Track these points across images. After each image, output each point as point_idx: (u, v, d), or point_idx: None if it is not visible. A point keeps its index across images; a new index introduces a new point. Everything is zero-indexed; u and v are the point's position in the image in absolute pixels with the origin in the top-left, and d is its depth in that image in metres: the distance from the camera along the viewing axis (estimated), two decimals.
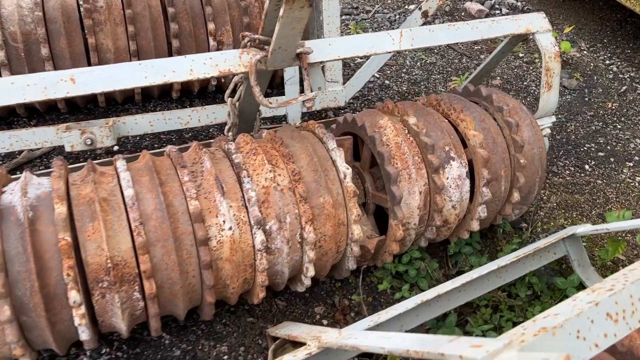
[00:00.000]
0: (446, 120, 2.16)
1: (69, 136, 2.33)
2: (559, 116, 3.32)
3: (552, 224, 2.59)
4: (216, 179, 1.74)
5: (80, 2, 2.56)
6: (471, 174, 2.09)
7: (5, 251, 1.50)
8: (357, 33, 3.82)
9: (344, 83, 2.87)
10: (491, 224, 2.38)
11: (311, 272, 1.89)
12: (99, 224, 1.59)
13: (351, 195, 1.86)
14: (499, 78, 3.58)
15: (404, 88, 3.39)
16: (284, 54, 1.79)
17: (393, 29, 3.94)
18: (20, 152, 2.61)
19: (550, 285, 2.25)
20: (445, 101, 2.19)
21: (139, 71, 1.70)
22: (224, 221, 1.71)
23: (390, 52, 2.04)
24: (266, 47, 1.83)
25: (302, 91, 3.19)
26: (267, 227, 1.78)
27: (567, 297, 2.16)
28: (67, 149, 2.35)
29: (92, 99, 2.84)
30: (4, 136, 2.34)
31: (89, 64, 2.60)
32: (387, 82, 3.41)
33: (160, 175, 1.76)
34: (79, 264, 1.59)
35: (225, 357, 1.96)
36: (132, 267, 1.62)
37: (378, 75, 3.46)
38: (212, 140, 2.50)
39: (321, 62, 1.93)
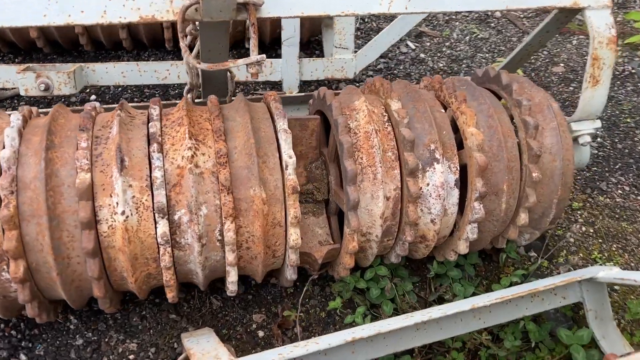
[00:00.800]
0: (443, 111, 1.69)
1: (23, 78, 2.09)
2: (628, 119, 2.68)
3: (580, 255, 2.05)
4: (117, 149, 1.42)
5: None
6: (465, 183, 1.63)
7: None
8: None
9: (356, 50, 2.43)
10: (495, 246, 1.90)
11: (233, 277, 1.54)
12: None
13: (290, 191, 1.47)
14: (562, 65, 2.96)
15: (441, 65, 2.88)
16: (221, 3, 1.41)
17: None
18: None
19: (554, 334, 1.76)
20: (449, 86, 1.71)
21: (39, 6, 1.38)
22: (117, 203, 1.39)
23: (374, 14, 1.59)
24: None
25: (312, 54, 2.79)
26: (176, 218, 1.44)
27: (570, 356, 1.67)
28: (22, 92, 2.12)
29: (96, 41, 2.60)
30: None
31: None
32: (422, 55, 2.91)
33: (57, 136, 1.46)
34: None
35: (132, 356, 1.68)
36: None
37: (414, 47, 2.96)
38: (176, 102, 2.18)
39: (276, 17, 1.52)
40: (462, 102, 1.64)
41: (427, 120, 1.62)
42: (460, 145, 1.65)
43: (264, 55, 1.49)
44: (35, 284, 1.44)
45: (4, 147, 1.38)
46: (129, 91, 2.52)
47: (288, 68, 2.36)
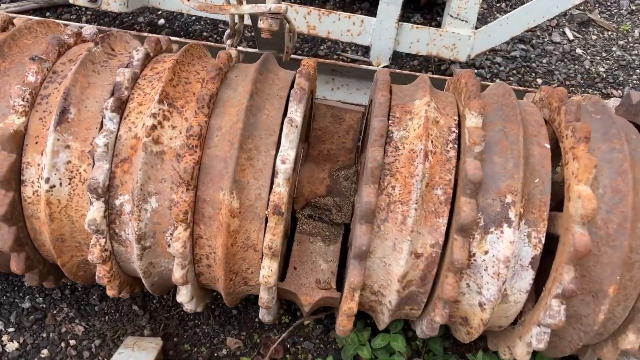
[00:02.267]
0: (547, 147, 1.08)
1: None
2: None
3: None
4: (65, 95, 1.05)
5: None
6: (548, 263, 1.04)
7: None
8: None
9: (477, 27, 1.82)
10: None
11: (184, 296, 1.14)
12: None
13: (272, 210, 1.01)
14: None
15: (602, 69, 2.12)
16: None
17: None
18: None
19: None
20: (571, 110, 1.09)
21: None
22: (44, 166, 1.04)
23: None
24: None
25: (433, 21, 2.21)
26: (117, 203, 1.06)
27: None
28: (71, 0, 1.86)
29: None
30: None
31: None
32: (579, 51, 2.18)
33: (7, 59, 1.13)
34: None
35: (72, 341, 1.38)
36: None
37: (572, 37, 2.23)
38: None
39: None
40: (581, 140, 1.03)
41: (515, 155, 1.04)
42: (560, 205, 1.05)
43: (283, 5, 1.01)
44: None
45: None
46: (202, 23, 2.17)
47: (381, 32, 1.82)
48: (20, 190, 1.08)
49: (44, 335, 1.39)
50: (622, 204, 1.01)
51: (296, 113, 1.07)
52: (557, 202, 1.09)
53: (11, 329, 1.39)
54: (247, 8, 1.03)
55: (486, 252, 1.03)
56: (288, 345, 1.42)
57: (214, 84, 1.10)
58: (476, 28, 1.81)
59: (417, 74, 1.66)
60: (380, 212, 1.05)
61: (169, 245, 1.09)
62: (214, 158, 1.05)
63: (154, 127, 1.04)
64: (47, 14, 2.14)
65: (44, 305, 1.44)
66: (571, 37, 2.24)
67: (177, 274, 1.09)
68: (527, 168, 1.05)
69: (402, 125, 1.10)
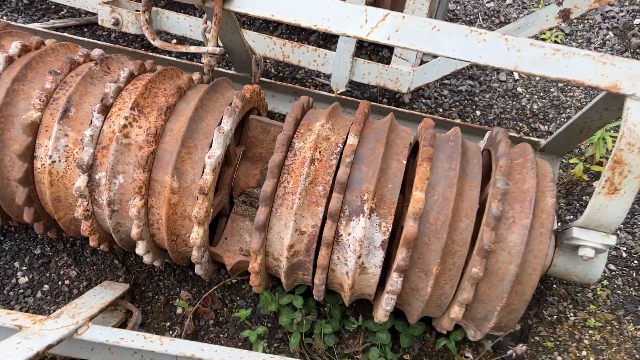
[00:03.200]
0: (403, 162, 1.47)
1: (101, 10, 2.32)
2: None
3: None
4: (68, 99, 1.52)
5: None
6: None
7: None
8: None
9: (419, 64, 2.21)
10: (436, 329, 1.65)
11: (140, 249, 1.58)
12: None
13: (198, 190, 1.44)
14: None
15: (536, 107, 2.46)
16: None
17: (601, 27, 2.84)
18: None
19: None
20: (427, 137, 1.48)
21: None
22: (48, 147, 1.51)
23: (349, 37, 1.42)
24: None
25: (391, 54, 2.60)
26: (97, 177, 1.51)
27: None
28: (99, 21, 2.35)
29: None
30: None
31: None
32: (520, 90, 2.52)
33: (33, 71, 1.60)
34: None
35: (67, 281, 1.85)
36: None
37: (518, 77, 2.58)
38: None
39: (243, 14, 1.45)
40: (425, 160, 1.41)
41: (375, 166, 1.43)
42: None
43: (219, 49, 1.44)
44: None
45: None
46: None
47: (340, 64, 2.23)
48: (33, 163, 1.55)
49: (47, 274, 1.86)
50: (446, 208, 1.39)
51: (226, 124, 1.49)
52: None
53: (24, 268, 1.86)
54: (193, 48, 1.47)
55: (349, 234, 1.43)
56: (227, 302, 1.84)
57: (172, 98, 1.54)
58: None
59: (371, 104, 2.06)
60: (277, 199, 1.46)
61: (127, 210, 1.53)
62: (164, 151, 1.49)
63: (125, 126, 1.49)
64: (85, 29, 2.65)
65: (50, 253, 1.91)
66: (517, 77, 2.59)
67: (134, 232, 1.53)
68: (383, 176, 1.44)
69: (302, 139, 1.51)
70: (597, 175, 2.20)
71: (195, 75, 1.68)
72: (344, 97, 2.16)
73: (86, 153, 1.48)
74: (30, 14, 2.71)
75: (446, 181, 1.42)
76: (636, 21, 2.87)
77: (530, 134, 2.36)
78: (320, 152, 1.47)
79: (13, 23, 2.40)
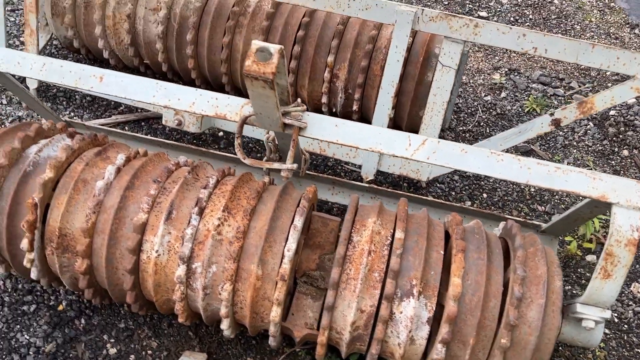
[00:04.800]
0: (441, 252, 1.86)
1: (167, 111, 2.73)
2: None
3: None
4: (170, 203, 1.89)
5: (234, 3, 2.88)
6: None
7: (2, 187, 1.94)
8: (532, 109, 3.33)
9: None
10: None
11: (225, 324, 1.92)
12: (65, 199, 1.91)
13: (279, 277, 1.81)
14: None
15: (533, 189, 2.89)
16: (269, 120, 1.80)
17: (582, 118, 3.32)
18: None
19: None
20: (458, 231, 1.87)
21: (151, 89, 1.91)
22: (155, 243, 1.86)
23: (398, 157, 1.83)
24: None
25: None
26: (193, 266, 1.87)
27: None
28: (163, 121, 2.76)
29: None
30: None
31: (220, 58, 2.92)
32: None
33: (139, 179, 1.98)
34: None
35: (149, 351, 2.16)
36: (77, 241, 1.91)
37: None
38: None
39: (314, 139, 1.86)
40: (459, 251, 1.80)
41: (420, 257, 1.81)
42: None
43: (295, 165, 1.84)
44: (94, 277, 1.99)
45: (102, 178, 1.95)
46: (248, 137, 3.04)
47: (369, 156, 2.65)
48: (140, 255, 1.90)
49: (132, 346, 2.17)
50: (479, 291, 1.77)
51: (298, 221, 1.88)
52: None
53: (112, 340, 2.18)
54: (276, 165, 1.87)
55: (401, 312, 1.79)
56: None
57: (253, 201, 1.92)
58: None
59: (394, 191, 2.47)
60: (342, 283, 1.83)
61: (220, 294, 1.88)
62: (250, 245, 1.86)
63: (218, 225, 1.86)
64: (142, 123, 3.06)
65: (133, 327, 2.23)
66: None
67: (222, 311, 1.87)
68: (426, 265, 1.82)
69: (359, 234, 1.89)
70: (588, 251, 2.61)
71: (266, 179, 2.08)
72: (374, 186, 2.56)
73: (186, 248, 1.84)
74: (94, 109, 3.11)
75: (477, 268, 1.81)
76: (611, 112, 3.37)
77: (530, 214, 2.78)
78: (374, 244, 1.85)
79: (74, 121, 2.78)
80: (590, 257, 2.60)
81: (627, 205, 1.73)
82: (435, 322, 1.87)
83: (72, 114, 3.07)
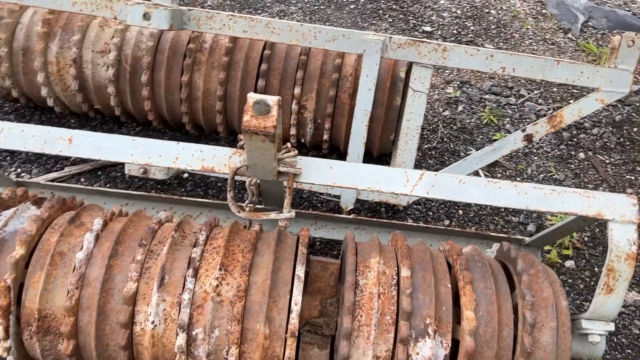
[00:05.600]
0: (448, 286, 1.84)
1: (129, 163, 2.56)
2: None
3: None
4: (162, 268, 1.76)
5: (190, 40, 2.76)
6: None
7: None
8: (490, 120, 3.42)
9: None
10: None
11: None
12: (42, 276, 1.73)
13: (289, 334, 1.71)
14: None
15: None
16: (263, 170, 1.71)
17: None
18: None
19: None
20: (462, 262, 1.86)
21: (128, 147, 1.77)
22: (149, 313, 1.72)
23: (397, 194, 1.79)
24: None
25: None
26: (194, 333, 1.74)
27: None
28: (126, 171, 2.59)
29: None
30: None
31: (180, 97, 2.79)
32: None
33: (122, 245, 1.83)
34: None
35: None
36: (60, 322, 1.74)
37: (483, 176, 3.07)
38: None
39: (310, 183, 1.79)
40: (467, 283, 1.78)
41: (430, 294, 1.78)
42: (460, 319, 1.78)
43: (293, 213, 1.76)
44: (81, 359, 1.82)
45: (81, 248, 1.78)
46: (217, 177, 2.92)
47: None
48: (132, 328, 1.75)
49: None
50: (492, 321, 1.76)
51: (300, 271, 1.79)
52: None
53: None
54: (272, 215, 1.78)
55: (418, 354, 1.74)
56: None
57: (249, 254, 1.82)
58: None
59: (380, 220, 2.43)
60: (354, 331, 1.76)
61: (226, 358, 1.76)
62: (253, 302, 1.75)
63: (217, 286, 1.75)
64: (99, 172, 2.86)
65: None
66: (482, 176, 3.09)
67: None
68: (437, 301, 1.79)
69: (364, 276, 1.84)
70: (566, 257, 2.69)
71: (256, 228, 1.98)
72: (357, 217, 2.51)
73: (185, 314, 1.71)
74: (43, 162, 2.88)
75: (486, 298, 1.79)
76: None
77: (506, 226, 2.83)
78: (382, 286, 1.80)
79: (28, 180, 2.56)
80: (569, 263, 2.68)
81: (622, 220, 1.77)
82: (451, 358, 1.84)
83: (20, 169, 2.83)
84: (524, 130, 2.47)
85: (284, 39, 2.42)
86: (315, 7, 4.26)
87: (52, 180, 2.76)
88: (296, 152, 1.77)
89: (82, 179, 2.82)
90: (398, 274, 1.85)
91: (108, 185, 2.82)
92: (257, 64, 2.74)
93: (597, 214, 1.78)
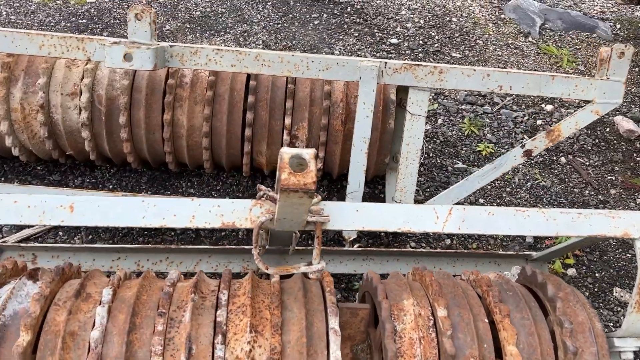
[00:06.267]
0: (486, 321, 1.79)
1: None
2: None
3: None
4: (187, 338, 1.61)
5: (169, 76, 2.60)
6: None
7: None
8: (471, 131, 3.43)
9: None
10: None
11: None
12: None
13: None
14: None
15: None
16: (292, 222, 1.60)
17: (516, 131, 3.49)
18: None
19: None
20: (494, 294, 1.81)
21: (138, 210, 1.62)
22: None
23: (428, 232, 1.73)
24: None
25: (375, 189, 2.95)
26: None
27: None
28: None
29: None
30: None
31: (162, 136, 2.63)
32: (482, 200, 3.01)
33: (138, 316, 1.67)
34: None
35: None
36: None
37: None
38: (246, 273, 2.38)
39: (340, 230, 1.69)
40: (504, 317, 1.74)
41: (470, 332, 1.72)
42: (498, 352, 1.74)
43: (324, 264, 1.66)
44: None
45: (93, 325, 1.61)
46: None
47: None
48: None
49: None
50: (535, 353, 1.72)
51: (335, 324, 1.70)
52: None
53: None
54: (303, 268, 1.67)
55: None
56: None
57: (277, 310, 1.71)
58: None
59: (388, 250, 2.36)
60: None
61: None
62: None
63: (250, 350, 1.62)
64: (40, 238, 2.63)
65: None
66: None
67: None
68: (478, 338, 1.74)
69: (400, 320, 1.76)
70: (568, 266, 2.71)
71: (276, 278, 1.86)
72: (365, 248, 2.44)
73: None
74: None
75: (525, 330, 1.76)
76: (538, 122, 3.57)
77: (505, 238, 2.83)
78: (420, 330, 1.73)
79: (5, 244, 2.33)
80: (571, 272, 2.71)
81: None
82: None
83: None
84: (523, 146, 2.47)
85: (275, 70, 2.31)
86: (279, 26, 4.16)
87: (28, 238, 2.53)
88: (320, 197, 1.68)
89: (61, 233, 2.60)
90: (433, 313, 1.79)
91: (90, 236, 2.61)
92: (242, 96, 2.62)
93: (624, 234, 1.78)
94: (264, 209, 1.67)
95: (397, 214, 1.71)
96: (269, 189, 1.67)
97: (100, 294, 1.73)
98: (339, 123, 2.61)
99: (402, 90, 2.70)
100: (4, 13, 4.03)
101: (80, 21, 3.98)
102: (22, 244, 2.29)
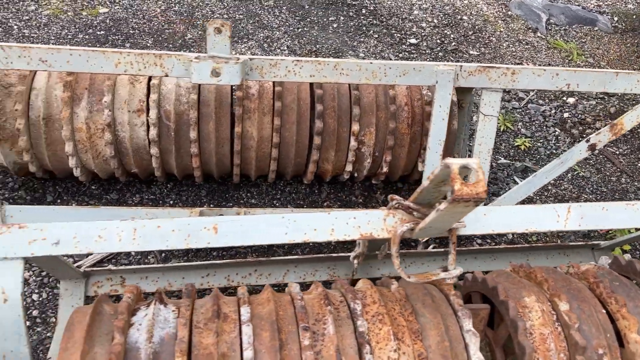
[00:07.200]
0: (604, 312, 1.87)
1: None
2: None
3: None
4: (336, 350, 1.63)
5: (235, 88, 2.58)
6: None
7: None
8: (506, 127, 3.54)
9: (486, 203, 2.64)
10: None
11: None
12: None
13: None
14: None
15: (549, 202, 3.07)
16: (435, 231, 1.64)
17: (547, 125, 3.62)
18: None
19: None
20: (606, 286, 1.90)
21: (279, 226, 1.63)
22: None
23: (552, 231, 1.80)
24: (414, 213, 1.68)
25: None
26: None
27: None
28: None
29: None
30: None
31: (232, 149, 2.61)
32: (530, 195, 3.11)
33: (283, 332, 1.68)
34: None
35: None
36: None
37: (519, 182, 3.17)
38: (334, 281, 2.40)
39: (471, 235, 1.74)
40: (622, 306, 1.83)
41: (594, 323, 1.80)
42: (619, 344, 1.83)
43: (461, 270, 1.71)
44: None
45: (240, 345, 1.61)
46: None
47: None
48: None
49: None
50: None
51: (469, 325, 1.75)
52: None
53: None
54: (442, 275, 1.71)
55: None
56: None
57: (412, 317, 1.74)
58: None
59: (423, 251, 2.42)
60: None
61: None
62: None
63: (397, 358, 1.65)
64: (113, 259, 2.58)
65: None
66: (519, 182, 3.19)
67: None
68: (602, 328, 1.82)
69: (527, 317, 1.82)
70: (624, 251, 2.85)
71: (395, 285, 1.90)
72: (437, 249, 2.49)
73: None
74: None
75: None
76: (566, 115, 3.71)
77: (562, 233, 2.94)
78: (547, 326, 1.80)
79: (96, 269, 2.27)
80: (626, 257, 2.84)
81: None
82: None
83: None
84: (587, 141, 2.58)
85: (353, 79, 2.33)
86: (299, 30, 4.16)
87: (101, 261, 2.47)
88: None
89: (133, 252, 2.55)
90: (554, 308, 1.86)
91: (163, 254, 2.57)
92: (308, 105, 2.62)
93: None
94: (397, 218, 1.70)
95: (522, 216, 1.77)
96: (402, 198, 1.70)
97: (238, 313, 1.72)
98: (405, 126, 2.66)
99: (461, 92, 2.78)
100: (15, 27, 3.88)
101: (98, 32, 3.88)
102: (111, 267, 2.23)
